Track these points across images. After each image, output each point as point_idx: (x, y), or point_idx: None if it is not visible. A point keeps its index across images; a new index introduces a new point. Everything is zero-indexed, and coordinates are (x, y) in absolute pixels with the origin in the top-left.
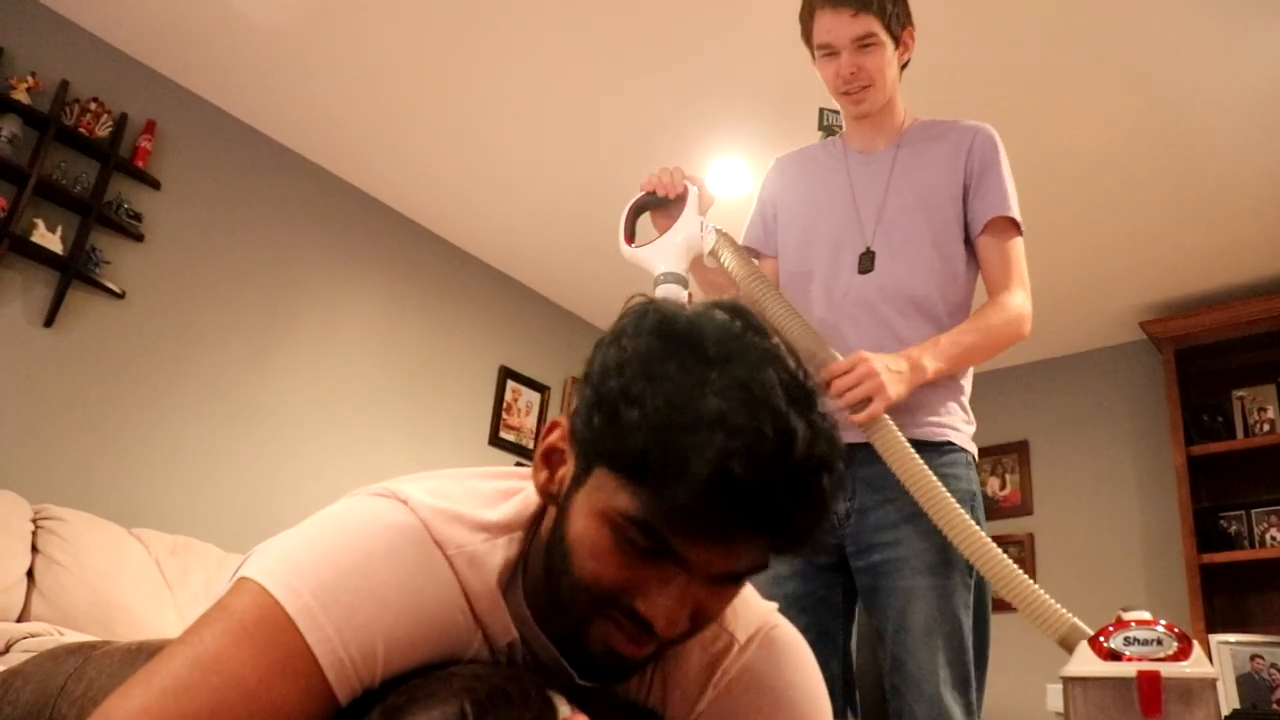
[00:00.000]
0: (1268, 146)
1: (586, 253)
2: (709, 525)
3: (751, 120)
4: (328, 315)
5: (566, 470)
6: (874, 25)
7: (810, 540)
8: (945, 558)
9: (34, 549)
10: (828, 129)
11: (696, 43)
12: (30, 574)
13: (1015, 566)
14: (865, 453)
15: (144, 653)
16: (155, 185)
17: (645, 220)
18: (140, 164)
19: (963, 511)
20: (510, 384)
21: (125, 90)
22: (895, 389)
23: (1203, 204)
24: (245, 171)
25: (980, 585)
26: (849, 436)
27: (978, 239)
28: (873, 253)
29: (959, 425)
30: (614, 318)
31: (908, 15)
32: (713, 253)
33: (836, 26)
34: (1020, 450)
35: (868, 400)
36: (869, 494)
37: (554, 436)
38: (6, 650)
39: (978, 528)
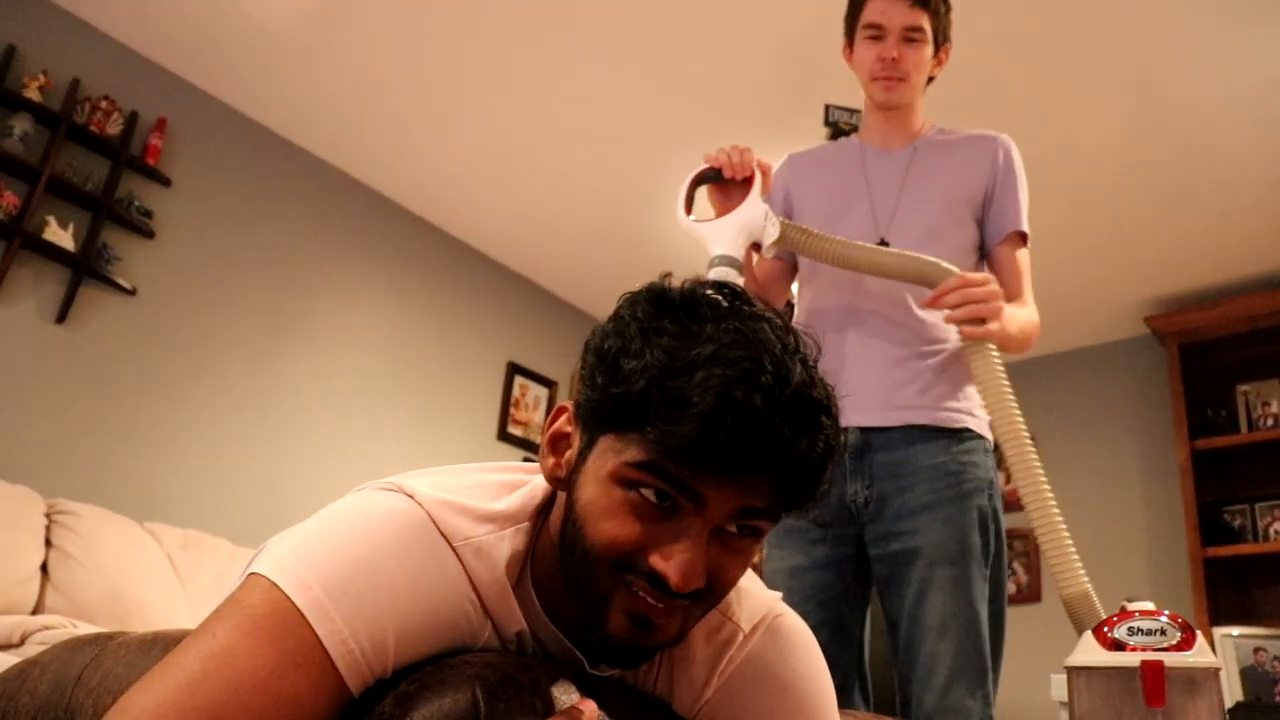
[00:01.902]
0: (1271, 141)
1: (594, 248)
2: (716, 456)
3: (763, 124)
4: (337, 311)
5: (573, 450)
6: (924, 21)
7: (818, 486)
8: (963, 548)
9: (48, 543)
10: (834, 125)
11: (708, 46)
12: (44, 568)
13: (1058, 517)
14: (883, 438)
15: (160, 643)
16: (166, 182)
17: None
18: (151, 161)
19: (1035, 455)
20: (518, 379)
21: (136, 88)
22: (1005, 321)
23: (1206, 199)
24: (255, 168)
25: (997, 577)
26: (866, 419)
27: (996, 247)
28: (887, 244)
29: (975, 411)
30: None
31: (949, 31)
32: (773, 244)
33: (891, 10)
34: None
35: (981, 321)
36: (888, 481)
37: (560, 421)
38: (22, 642)
39: (1038, 467)
